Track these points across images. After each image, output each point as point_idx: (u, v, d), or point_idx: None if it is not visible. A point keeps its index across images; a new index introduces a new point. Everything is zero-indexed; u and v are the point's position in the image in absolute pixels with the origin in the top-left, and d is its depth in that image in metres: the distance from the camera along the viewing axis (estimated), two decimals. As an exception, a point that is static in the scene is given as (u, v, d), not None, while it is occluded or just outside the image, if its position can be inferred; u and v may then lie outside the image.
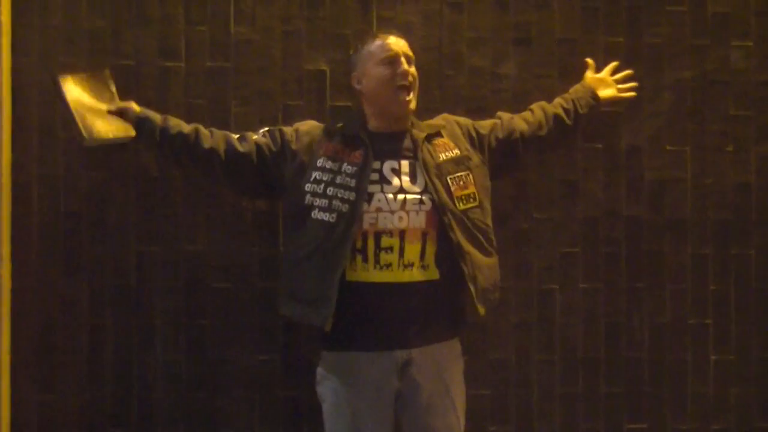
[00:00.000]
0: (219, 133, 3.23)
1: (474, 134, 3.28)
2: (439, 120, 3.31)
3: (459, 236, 3.06)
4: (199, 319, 3.50)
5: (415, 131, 3.17)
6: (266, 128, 3.27)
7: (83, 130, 3.14)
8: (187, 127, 3.22)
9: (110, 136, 3.19)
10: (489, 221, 3.20)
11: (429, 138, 3.17)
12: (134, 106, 3.24)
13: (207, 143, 3.19)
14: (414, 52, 3.35)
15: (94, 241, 3.47)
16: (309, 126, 3.25)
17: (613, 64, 3.57)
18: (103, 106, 3.23)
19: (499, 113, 3.41)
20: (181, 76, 3.51)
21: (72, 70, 3.32)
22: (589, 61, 3.55)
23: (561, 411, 3.63)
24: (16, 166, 3.43)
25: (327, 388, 3.13)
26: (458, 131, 3.26)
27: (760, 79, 3.72)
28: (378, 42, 3.17)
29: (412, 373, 3.06)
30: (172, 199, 3.48)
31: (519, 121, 3.36)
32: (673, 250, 3.67)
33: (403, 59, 3.13)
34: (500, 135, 3.31)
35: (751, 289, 3.70)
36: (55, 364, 3.45)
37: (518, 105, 3.52)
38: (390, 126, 3.17)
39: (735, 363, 3.69)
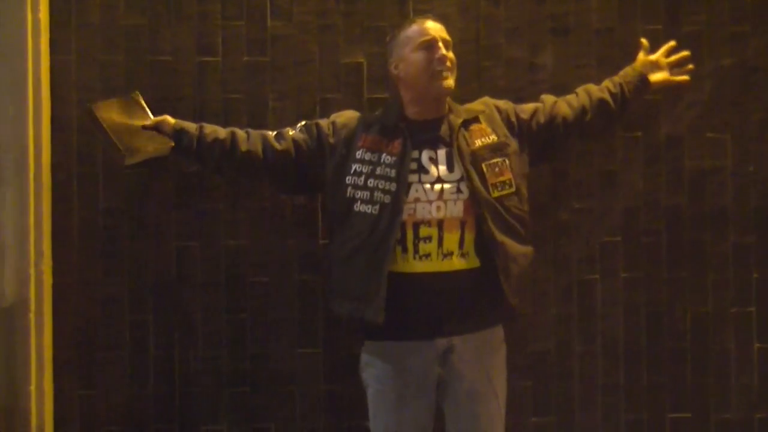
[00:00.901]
0: (255, 134, 3.23)
1: (514, 119, 3.24)
2: (478, 104, 3.28)
3: (491, 226, 3.04)
4: (240, 314, 3.51)
5: (452, 116, 3.15)
6: (302, 122, 3.27)
7: (123, 150, 3.18)
8: (223, 133, 3.21)
9: (150, 151, 3.21)
10: (526, 207, 3.18)
11: (466, 124, 3.15)
12: (169, 119, 3.24)
13: (245, 146, 3.19)
14: (451, 44, 3.36)
15: (133, 238, 3.49)
16: (346, 118, 3.24)
17: (669, 44, 3.49)
18: (139, 124, 3.24)
19: (543, 96, 3.37)
20: (219, 71, 3.52)
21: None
22: (644, 41, 3.48)
23: (603, 402, 3.61)
24: (56, 165, 3.47)
25: (370, 375, 3.14)
26: (497, 116, 3.23)
27: (800, 66, 3.69)
28: (415, 27, 3.15)
29: (454, 360, 3.07)
30: (210, 194, 3.50)
31: (562, 106, 3.31)
32: (715, 239, 3.64)
33: (440, 44, 3.10)
34: (542, 120, 3.27)
35: (793, 277, 3.67)
36: (96, 360, 3.49)
37: (556, 95, 3.46)
38: (428, 112, 3.15)
39: (779, 351, 3.67)
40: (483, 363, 3.12)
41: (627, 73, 3.43)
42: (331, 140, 3.17)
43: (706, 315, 3.64)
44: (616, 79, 3.40)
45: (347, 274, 3.08)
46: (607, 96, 3.35)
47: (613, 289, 3.61)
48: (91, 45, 3.48)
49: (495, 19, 3.60)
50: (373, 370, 3.13)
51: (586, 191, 3.61)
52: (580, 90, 3.39)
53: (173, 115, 3.38)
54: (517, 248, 3.10)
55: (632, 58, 3.51)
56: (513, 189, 3.12)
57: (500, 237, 3.05)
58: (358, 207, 3.05)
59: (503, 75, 3.58)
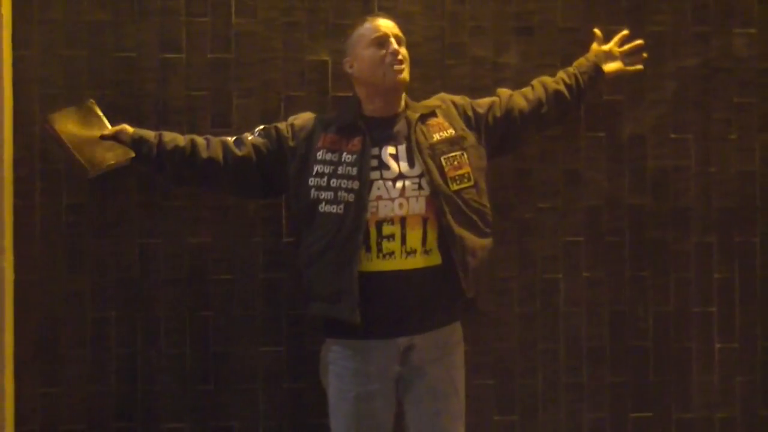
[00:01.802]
0: (215, 141, 3.22)
1: (471, 114, 3.25)
2: (434, 100, 3.29)
3: (450, 219, 3.04)
4: (203, 311, 3.50)
5: (409, 112, 3.16)
6: (261, 127, 3.26)
7: (84, 163, 3.16)
8: (182, 140, 3.20)
9: (111, 162, 3.19)
10: (485, 201, 3.18)
11: (423, 118, 3.16)
12: (127, 128, 3.22)
13: (205, 153, 3.18)
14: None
15: (96, 234, 3.47)
16: (303, 120, 3.23)
17: (622, 33, 3.52)
18: (97, 134, 3.22)
19: (499, 90, 3.38)
20: (182, 68, 3.51)
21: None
22: (597, 31, 3.50)
23: (566, 400, 3.63)
24: (18, 160, 3.43)
25: (331, 373, 3.14)
26: (453, 111, 3.24)
27: (763, 67, 3.71)
28: (367, 25, 3.16)
29: (414, 358, 3.08)
30: (174, 191, 3.48)
31: (518, 99, 3.32)
32: (677, 238, 3.67)
33: (392, 39, 3.11)
34: (498, 113, 3.28)
35: (755, 277, 3.70)
36: (58, 357, 3.46)
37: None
38: (385, 109, 3.16)
39: (740, 351, 3.69)
40: (444, 360, 3.13)
41: (581, 63, 3.45)
42: (291, 143, 3.17)
43: (668, 314, 3.66)
44: (571, 70, 3.42)
45: (318, 274, 3.08)
46: (562, 87, 3.37)
47: (576, 288, 3.63)
48: (53, 40, 3.45)
49: (460, 17, 3.60)
50: (333, 368, 3.12)
51: (549, 190, 3.62)
52: (535, 82, 3.40)
53: (137, 112, 3.41)
54: (475, 241, 3.10)
55: (601, 41, 3.53)
56: (471, 182, 3.13)
57: (458, 230, 3.05)
58: (323, 207, 3.05)
59: (468, 73, 3.59)
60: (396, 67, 3.09)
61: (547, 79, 3.41)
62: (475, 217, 3.12)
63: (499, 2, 3.62)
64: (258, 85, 3.53)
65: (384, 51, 3.09)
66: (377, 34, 3.11)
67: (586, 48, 3.53)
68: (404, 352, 3.07)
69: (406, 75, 3.12)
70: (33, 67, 3.45)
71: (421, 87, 3.43)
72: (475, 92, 3.44)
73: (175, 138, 3.21)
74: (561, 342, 3.63)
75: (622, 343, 3.64)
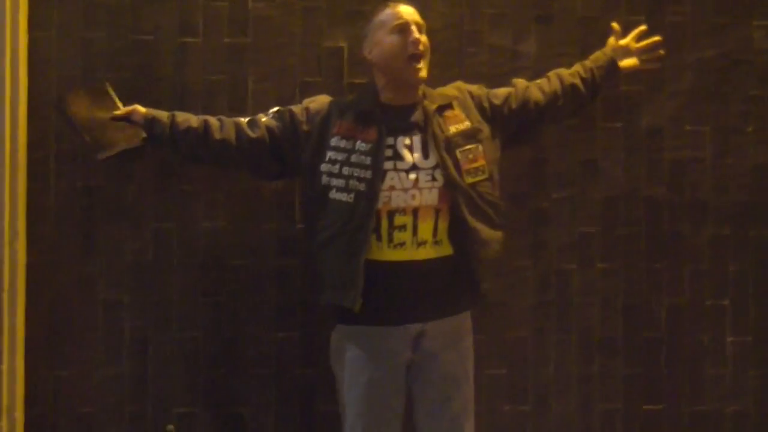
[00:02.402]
0: (229, 122, 3.20)
1: (487, 105, 3.24)
2: (451, 89, 3.27)
3: (465, 212, 3.04)
4: (216, 296, 3.50)
5: (426, 102, 3.14)
6: (275, 108, 3.24)
7: (96, 146, 3.18)
8: (195, 121, 3.19)
9: (123, 144, 3.20)
10: (498, 193, 3.18)
11: (440, 109, 3.14)
12: (139, 109, 3.22)
13: (218, 134, 3.16)
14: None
15: (110, 218, 3.46)
16: (319, 103, 3.22)
17: (639, 29, 3.49)
18: (109, 115, 3.22)
19: (515, 81, 3.36)
20: (199, 52, 3.50)
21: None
22: (615, 25, 3.46)
23: (578, 391, 3.62)
24: (33, 143, 3.42)
25: (341, 358, 3.13)
26: (470, 102, 3.22)
27: (781, 60, 3.71)
28: (388, 11, 3.13)
29: (426, 344, 3.08)
30: (189, 175, 3.47)
31: (534, 91, 3.31)
32: (692, 230, 3.67)
33: (414, 27, 3.09)
34: (514, 105, 3.27)
35: (769, 271, 3.69)
36: (70, 340, 3.46)
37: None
38: (402, 97, 3.14)
39: (752, 345, 3.69)
40: (456, 347, 3.13)
41: (597, 57, 3.42)
42: (305, 127, 3.15)
43: (681, 307, 3.66)
44: (587, 63, 3.40)
45: (325, 261, 3.07)
46: (578, 81, 3.35)
47: (590, 278, 3.62)
48: (71, 22, 3.44)
49: (478, 4, 3.59)
50: (344, 354, 3.12)
51: (565, 181, 3.62)
52: (551, 74, 3.38)
53: (154, 95, 3.40)
54: (489, 233, 3.10)
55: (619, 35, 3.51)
56: (486, 175, 3.12)
57: (473, 223, 3.05)
58: (334, 195, 3.04)
59: (486, 61, 3.58)
60: (415, 65, 3.07)
61: (563, 72, 3.39)
62: (489, 210, 3.12)
63: (518, -10, 3.61)
64: (274, 70, 3.52)
65: (405, 39, 3.07)
66: (398, 21, 3.09)
67: (604, 37, 3.51)
68: (416, 338, 3.07)
69: (424, 73, 3.10)
70: (50, 48, 3.43)
71: (438, 74, 3.40)
72: (493, 80, 3.43)
73: (188, 118, 3.20)
74: (574, 332, 3.62)
75: (634, 334, 3.64)
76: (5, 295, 3.33)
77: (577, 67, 3.40)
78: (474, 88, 3.29)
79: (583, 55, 3.49)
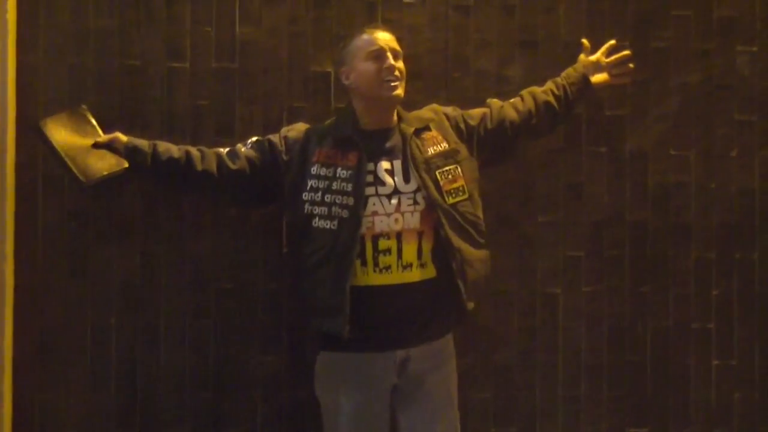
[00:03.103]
0: (209, 153, 3.21)
1: (463, 126, 3.26)
2: (427, 112, 3.29)
3: (448, 232, 3.06)
4: (204, 319, 3.50)
5: (403, 125, 3.16)
6: (254, 138, 3.26)
7: (78, 174, 3.11)
8: (177, 152, 3.19)
9: (105, 172, 3.16)
10: (479, 213, 3.20)
11: (418, 132, 3.16)
12: (120, 137, 3.20)
13: (199, 165, 3.17)
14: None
15: (98, 241, 3.47)
16: (297, 131, 3.23)
17: (609, 44, 3.51)
18: (90, 142, 3.19)
19: (489, 101, 3.39)
20: (187, 76, 3.51)
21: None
22: (585, 42, 3.50)
23: (564, 414, 3.63)
24: (21, 165, 3.43)
25: (326, 384, 3.15)
26: (446, 124, 3.24)
27: (765, 85, 3.72)
28: (364, 37, 3.15)
29: (411, 369, 3.09)
30: (177, 198, 3.47)
31: (509, 110, 3.33)
32: (678, 254, 3.68)
33: (389, 54, 3.11)
34: (490, 125, 3.29)
35: (754, 294, 3.70)
36: (58, 363, 3.45)
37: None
38: (380, 121, 3.16)
39: (738, 368, 3.70)
40: (440, 369, 3.15)
41: (569, 74, 3.45)
42: (285, 156, 3.17)
43: (667, 330, 3.67)
44: (559, 80, 3.43)
45: (312, 287, 3.09)
46: (551, 99, 3.37)
47: (576, 302, 3.63)
48: (59, 46, 3.45)
49: (464, 30, 3.61)
50: (328, 380, 3.14)
51: (551, 204, 3.63)
52: (525, 93, 3.40)
53: (142, 119, 3.43)
54: (473, 253, 3.12)
55: (590, 51, 3.55)
56: (466, 195, 3.15)
57: (457, 243, 3.08)
58: (317, 223, 3.06)
59: (472, 86, 3.60)
60: (391, 83, 3.09)
61: (536, 90, 3.42)
62: (471, 229, 3.14)
63: (504, 15, 3.63)
64: (261, 94, 3.53)
65: (380, 65, 3.09)
66: (374, 48, 3.11)
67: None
68: (401, 363, 3.08)
69: (400, 91, 3.12)
70: (37, 72, 3.44)
71: (424, 99, 3.44)
72: (479, 105, 3.43)
73: (169, 149, 3.20)
74: (560, 355, 3.63)
75: (620, 357, 3.65)
76: (-8, 318, 3.34)
77: (549, 85, 3.43)
78: (449, 109, 3.32)
79: (568, 80, 3.53)
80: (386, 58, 3.10)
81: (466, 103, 3.44)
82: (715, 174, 3.70)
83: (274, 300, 3.50)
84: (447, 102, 3.45)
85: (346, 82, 3.19)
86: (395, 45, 3.16)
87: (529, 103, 3.36)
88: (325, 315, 3.05)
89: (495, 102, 3.38)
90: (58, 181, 3.44)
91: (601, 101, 3.62)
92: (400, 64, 3.14)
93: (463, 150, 3.21)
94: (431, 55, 3.56)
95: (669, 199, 3.67)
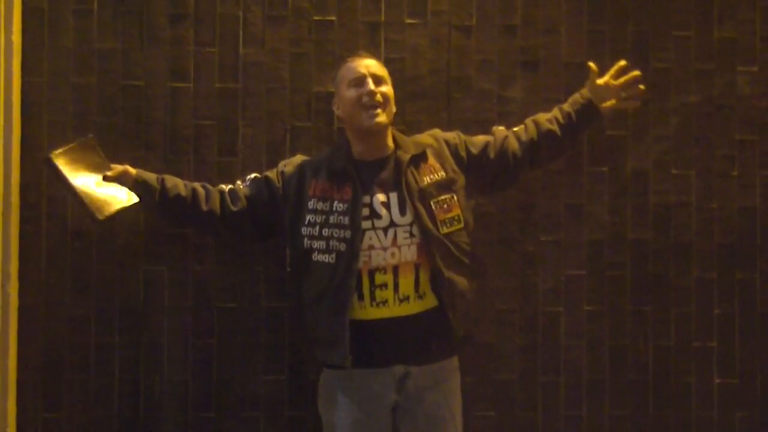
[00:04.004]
0: (214, 193, 3.22)
1: (464, 153, 3.23)
2: (427, 137, 3.26)
3: (440, 263, 3.05)
4: (206, 338, 3.52)
5: (400, 152, 3.14)
6: (252, 175, 3.27)
7: (93, 210, 3.13)
8: (183, 189, 3.19)
9: (117, 207, 3.18)
10: (470, 242, 3.17)
11: (415, 160, 3.13)
12: (130, 171, 3.20)
13: (204, 206, 3.18)
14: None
15: (101, 261, 3.49)
16: (293, 166, 3.22)
17: (619, 65, 3.42)
18: (99, 175, 3.19)
19: (494, 129, 3.36)
20: (190, 96, 3.53)
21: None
22: (592, 65, 3.37)
23: (565, 433, 3.63)
24: (26, 186, 3.46)
25: (327, 401, 3.16)
26: (446, 150, 3.21)
27: (765, 105, 3.72)
28: (347, 65, 3.17)
29: (411, 385, 3.09)
30: (180, 219, 3.49)
31: (512, 141, 3.27)
32: (678, 273, 3.68)
33: (369, 79, 3.10)
34: (492, 155, 3.25)
35: (755, 313, 3.70)
36: (61, 382, 3.48)
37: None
38: (373, 151, 3.15)
39: (739, 387, 3.69)
40: (441, 387, 3.14)
41: (576, 100, 3.36)
42: (282, 192, 3.18)
43: (668, 349, 3.66)
44: (565, 107, 3.35)
45: (313, 319, 3.10)
46: (555, 128, 3.30)
47: (578, 321, 3.63)
48: (63, 67, 3.49)
49: (465, 50, 3.62)
50: (330, 397, 3.14)
51: (552, 224, 3.63)
52: (528, 122, 3.34)
53: (145, 139, 3.47)
54: (464, 283, 3.11)
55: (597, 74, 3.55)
56: (461, 224, 3.13)
57: (448, 274, 3.06)
58: (316, 257, 3.07)
59: (473, 106, 3.61)
60: (373, 110, 3.08)
61: (541, 119, 3.34)
62: (464, 259, 3.13)
63: (505, 36, 3.64)
64: (264, 114, 3.55)
65: (360, 92, 3.09)
66: (354, 75, 3.12)
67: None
68: (400, 380, 3.08)
69: (382, 118, 3.09)
70: (42, 93, 3.48)
71: (426, 120, 3.47)
72: (480, 125, 3.46)
73: (176, 185, 3.21)
74: (562, 374, 3.63)
75: (622, 376, 3.64)
76: (-3, 337, 3.36)
77: (555, 112, 3.35)
78: (450, 136, 3.28)
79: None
80: (366, 83, 3.09)
81: (467, 124, 3.46)
82: (715, 193, 3.70)
83: (276, 319, 3.52)
84: (448, 122, 3.48)
85: (337, 113, 3.22)
86: (378, 70, 3.15)
87: (532, 133, 3.29)
88: (327, 346, 3.07)
89: (500, 131, 3.33)
90: (61, 202, 3.46)
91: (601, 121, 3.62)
92: (384, 89, 3.12)
93: (461, 179, 3.18)
94: (433, 75, 3.58)
95: (670, 219, 3.67)
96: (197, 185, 3.23)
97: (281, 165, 3.26)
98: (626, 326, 3.65)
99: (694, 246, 3.68)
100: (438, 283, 3.05)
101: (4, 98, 3.39)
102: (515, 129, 3.34)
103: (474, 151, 3.25)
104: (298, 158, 3.28)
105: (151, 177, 3.21)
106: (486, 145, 3.27)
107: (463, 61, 3.63)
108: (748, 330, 3.69)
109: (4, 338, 3.38)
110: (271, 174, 3.23)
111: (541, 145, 3.30)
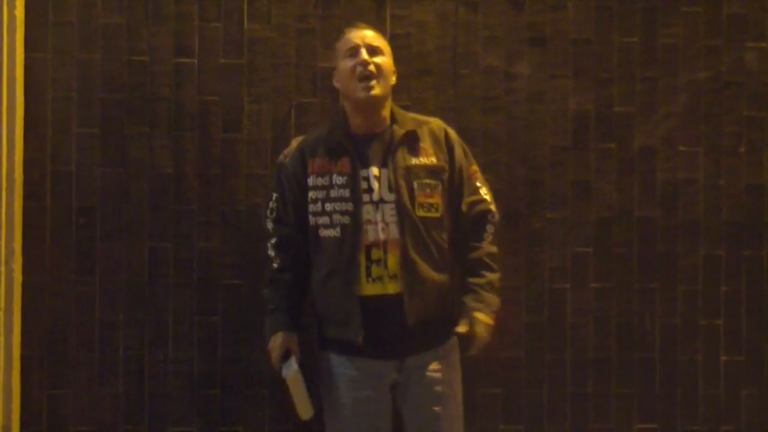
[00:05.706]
0: (288, 257, 3.15)
1: (457, 180, 3.16)
2: (429, 119, 3.23)
3: (408, 242, 3.02)
4: (211, 316, 3.51)
5: (395, 127, 3.12)
6: (271, 207, 3.20)
7: (311, 408, 3.13)
8: (292, 296, 3.15)
9: (312, 407, 3.15)
10: (446, 238, 3.13)
11: (410, 140, 3.11)
12: (291, 351, 3.16)
13: (302, 280, 3.15)
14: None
15: (106, 238, 3.49)
16: (292, 158, 3.19)
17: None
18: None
19: (476, 208, 3.20)
20: (195, 72, 3.52)
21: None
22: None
23: (571, 411, 3.63)
24: (30, 162, 3.45)
25: (326, 381, 3.16)
26: (443, 141, 3.16)
27: (774, 81, 3.72)
28: (344, 36, 3.16)
29: (410, 364, 3.09)
30: (185, 196, 3.49)
31: (464, 220, 3.17)
32: (686, 251, 3.67)
33: (363, 50, 3.08)
34: (460, 211, 3.16)
35: (762, 291, 3.70)
36: (66, 359, 3.48)
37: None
38: (368, 125, 3.12)
39: (746, 364, 3.69)
40: (441, 364, 3.13)
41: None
42: (296, 188, 3.13)
43: (675, 326, 3.66)
44: (473, 280, 3.18)
45: (326, 298, 3.10)
46: (468, 273, 3.19)
47: (584, 298, 3.63)
48: (67, 43, 3.47)
49: (472, 27, 3.60)
50: (328, 376, 3.14)
51: (559, 201, 3.63)
52: (481, 251, 3.19)
53: (149, 116, 3.49)
54: (427, 270, 3.06)
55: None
56: (438, 215, 3.10)
57: (413, 255, 3.03)
58: (323, 232, 3.07)
59: (479, 83, 3.59)
60: (367, 81, 3.04)
61: (479, 256, 3.18)
62: (432, 248, 3.08)
63: (512, 12, 3.62)
64: (270, 90, 3.54)
65: (354, 62, 3.07)
66: (349, 46, 3.11)
67: (597, 59, 3.60)
68: (400, 362, 3.09)
69: (377, 90, 3.06)
70: (46, 69, 3.46)
71: (433, 96, 3.46)
72: (486, 102, 3.45)
73: (292, 304, 3.16)
74: (568, 352, 3.63)
75: (628, 354, 3.64)
76: (1, 314, 3.36)
77: (475, 269, 3.19)
78: (455, 136, 3.22)
79: (576, 76, 3.59)
80: (359, 53, 3.07)
81: (473, 101, 3.48)
82: (723, 171, 3.69)
83: (282, 296, 3.50)
84: (455, 99, 3.48)
85: (336, 85, 3.20)
86: (373, 41, 3.12)
87: (470, 254, 3.19)
88: (340, 323, 3.06)
89: (480, 210, 3.20)
90: (66, 178, 3.46)
91: (609, 98, 3.61)
92: (379, 60, 3.08)
93: (446, 176, 3.14)
94: (439, 51, 3.56)
95: (677, 196, 3.67)
96: (282, 276, 3.16)
97: (280, 159, 3.26)
98: (633, 304, 3.65)
99: (702, 223, 3.68)
100: (403, 262, 3.02)
101: (7, 74, 3.38)
102: (475, 232, 3.22)
103: (456, 180, 3.16)
104: (293, 144, 3.26)
105: (287, 322, 3.15)
106: (461, 193, 3.18)
107: (469, 37, 3.61)
108: (755, 308, 3.70)
109: (8, 315, 3.38)
110: (278, 187, 3.19)
111: (462, 259, 3.21)
